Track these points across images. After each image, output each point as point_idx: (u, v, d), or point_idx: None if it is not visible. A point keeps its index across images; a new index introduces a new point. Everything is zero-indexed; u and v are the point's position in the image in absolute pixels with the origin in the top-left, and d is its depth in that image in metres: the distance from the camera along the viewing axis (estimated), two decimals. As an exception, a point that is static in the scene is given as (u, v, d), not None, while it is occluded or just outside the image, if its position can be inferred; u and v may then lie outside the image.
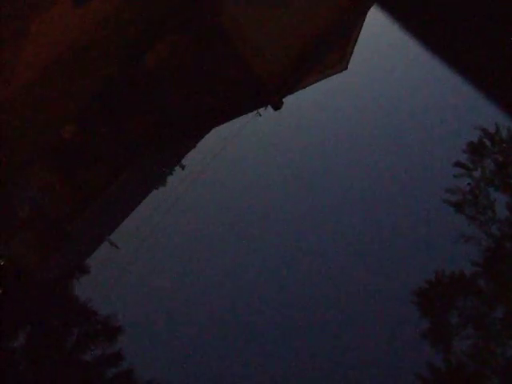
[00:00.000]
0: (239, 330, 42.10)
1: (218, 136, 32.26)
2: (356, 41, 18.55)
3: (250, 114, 25.36)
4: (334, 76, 19.78)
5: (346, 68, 19.51)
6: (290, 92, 17.69)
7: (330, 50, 17.85)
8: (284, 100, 17.08)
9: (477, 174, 22.98)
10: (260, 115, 28.03)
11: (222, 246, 46.61)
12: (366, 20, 18.06)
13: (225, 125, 20.97)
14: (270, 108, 17.49)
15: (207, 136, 23.39)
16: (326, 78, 19.71)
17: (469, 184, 23.04)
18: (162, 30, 14.07)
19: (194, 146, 25.69)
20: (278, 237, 45.94)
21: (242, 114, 19.75)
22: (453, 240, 22.93)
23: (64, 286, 19.54)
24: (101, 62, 12.51)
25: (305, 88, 19.40)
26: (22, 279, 17.70)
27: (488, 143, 22.85)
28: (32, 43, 11.76)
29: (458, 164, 23.51)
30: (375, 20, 18.21)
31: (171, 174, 29.59)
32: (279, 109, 16.75)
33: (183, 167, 29.86)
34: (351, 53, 19.10)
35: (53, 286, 18.98)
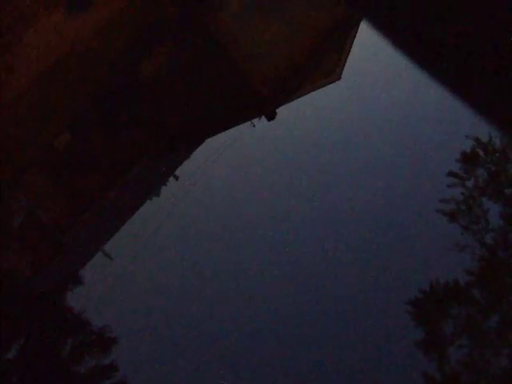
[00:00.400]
0: (238, 341, 41.99)
1: (212, 146, 32.29)
2: (349, 51, 18.65)
3: (244, 125, 25.40)
4: (328, 86, 19.86)
5: (339, 78, 19.59)
6: (284, 102, 17.75)
7: (323, 60, 17.93)
8: (278, 110, 17.14)
9: (470, 183, 23.05)
10: (254, 126, 28.07)
11: (216, 255, 46.54)
12: (359, 30, 18.16)
13: (219, 135, 21.01)
14: (263, 118, 17.55)
15: (201, 146, 23.45)
16: (319, 88, 19.78)
17: (462, 193, 23.09)
18: (157, 40, 14.12)
19: (188, 157, 25.72)
20: (272, 245, 45.92)
21: (236, 125, 19.79)
22: (447, 249, 22.97)
23: (58, 296, 19.49)
24: (95, 72, 12.55)
25: (299, 98, 19.47)
26: (15, 290, 17.64)
27: (481, 153, 22.93)
28: (26, 53, 11.79)
29: (451, 174, 23.57)
30: (368, 30, 18.32)
31: (165, 184, 29.59)
32: (273, 119, 16.81)
33: (177, 178, 29.86)
34: (344, 63, 19.19)
35: (47, 297, 18.93)
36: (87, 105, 13.79)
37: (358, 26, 17.77)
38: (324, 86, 19.87)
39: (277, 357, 40.56)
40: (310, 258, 44.30)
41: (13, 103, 11.94)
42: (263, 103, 16.38)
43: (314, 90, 19.60)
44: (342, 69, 19.28)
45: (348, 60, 19.20)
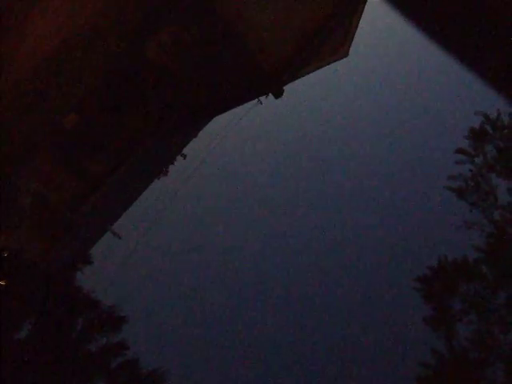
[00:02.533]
0: (243, 317, 42.19)
1: (219, 125, 32.19)
2: (357, 27, 18.50)
3: (251, 103, 25.31)
4: (335, 63, 19.73)
5: (347, 55, 19.46)
6: (291, 80, 17.67)
7: (330, 37, 17.81)
8: (285, 88, 17.08)
9: (478, 160, 22.92)
10: (261, 103, 27.94)
11: (224, 234, 46.63)
12: (366, 6, 18.01)
13: (226, 113, 20.96)
14: (271, 96, 17.49)
15: (208, 125, 23.39)
16: (326, 65, 19.66)
17: (470, 170, 22.98)
18: (163, 19, 14.05)
19: (196, 135, 25.66)
20: (280, 224, 45.95)
21: (243, 103, 19.74)
22: (455, 226, 22.92)
23: (67, 276, 19.58)
24: (102, 52, 12.50)
25: (306, 75, 19.37)
26: (25, 270, 17.74)
27: (489, 129, 22.77)
28: (32, 34, 11.74)
29: (459, 150, 23.44)
30: (375, 6, 18.15)
31: (173, 163, 29.53)
32: (280, 97, 16.75)
33: (185, 156, 29.79)
34: (352, 39, 19.04)
35: (56, 277, 19.03)
36: (94, 85, 13.76)
37: (365, 2, 17.63)
38: (331, 63, 19.74)
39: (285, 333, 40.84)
40: (318, 235, 44.35)
41: (19, 84, 11.92)
42: (270, 81, 16.33)
43: (321, 67, 19.48)
44: (350, 45, 19.15)
45: (355, 36, 19.06)
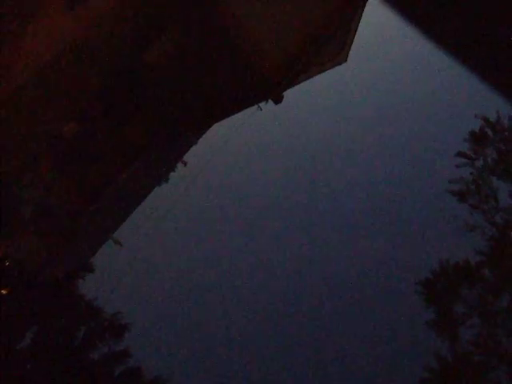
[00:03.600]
0: (244, 322, 42.18)
1: (219, 131, 32.23)
2: (355, 33, 18.54)
3: (251, 109, 25.35)
4: (334, 68, 19.76)
5: (345, 60, 19.50)
6: (291, 86, 17.70)
7: (329, 42, 17.85)
8: (284, 94, 17.10)
9: (479, 163, 22.94)
10: (261, 109, 27.97)
11: (225, 241, 46.64)
12: (364, 11, 18.05)
13: (226, 120, 20.97)
14: (270, 102, 17.51)
15: (208, 132, 23.41)
16: (325, 70, 19.69)
17: (471, 173, 23.00)
18: (162, 26, 14.08)
19: (196, 142, 25.69)
20: (282, 229, 45.96)
21: (242, 109, 19.75)
22: (457, 229, 22.91)
23: (69, 284, 19.58)
24: (100, 59, 12.52)
25: (305, 81, 19.39)
26: (27, 279, 17.75)
27: (490, 132, 22.80)
28: (30, 43, 11.76)
29: (460, 154, 23.46)
30: (373, 11, 18.20)
31: (173, 170, 29.56)
32: (280, 102, 16.77)
33: (185, 164, 29.81)
34: (351, 45, 19.09)
35: (58, 286, 19.03)
36: (94, 94, 13.78)
37: (363, 7, 17.68)
38: (330, 69, 19.77)
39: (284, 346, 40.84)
40: (319, 236, 44.36)
41: (18, 93, 11.94)
42: (270, 87, 16.35)
43: (320, 72, 19.51)
44: (349, 51, 19.19)
45: (354, 42, 19.10)
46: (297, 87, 19.10)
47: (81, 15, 11.11)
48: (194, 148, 26.42)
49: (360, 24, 18.52)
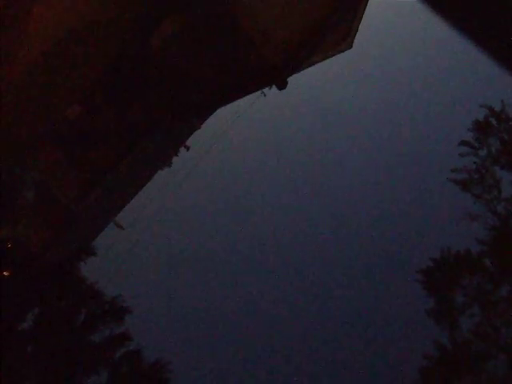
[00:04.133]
0: (243, 306, 42.32)
1: (222, 116, 32.20)
2: (361, 19, 18.42)
3: (255, 94, 25.27)
4: (340, 55, 19.66)
5: (351, 47, 19.39)
6: (295, 72, 17.63)
7: (334, 28, 17.74)
8: (289, 79, 17.02)
9: (482, 152, 22.87)
10: (265, 95, 27.90)
11: (226, 227, 46.68)
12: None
13: (229, 105, 20.92)
14: (274, 88, 17.45)
15: (212, 116, 23.37)
16: (330, 57, 19.59)
17: (475, 163, 22.93)
18: (167, 9, 14.00)
19: (199, 127, 25.64)
20: (281, 216, 45.99)
21: (246, 94, 19.68)
22: (459, 218, 22.89)
23: (71, 267, 19.64)
24: (105, 43, 12.47)
25: (310, 67, 19.31)
26: (29, 262, 17.79)
27: (494, 121, 22.71)
28: (34, 26, 11.72)
29: (463, 143, 23.39)
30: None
31: (176, 155, 29.53)
32: (284, 88, 16.70)
33: (188, 148, 29.78)
34: (356, 31, 18.97)
35: (60, 268, 19.08)
36: (98, 77, 13.74)
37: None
38: (335, 55, 19.67)
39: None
40: (323, 224, 44.39)
41: (23, 76, 11.92)
42: (274, 72, 16.28)
43: (325, 59, 19.40)
44: (354, 37, 19.08)
45: (360, 28, 18.98)
46: (301, 73, 19.03)
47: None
48: (197, 132, 26.38)
49: (366, 11, 18.41)
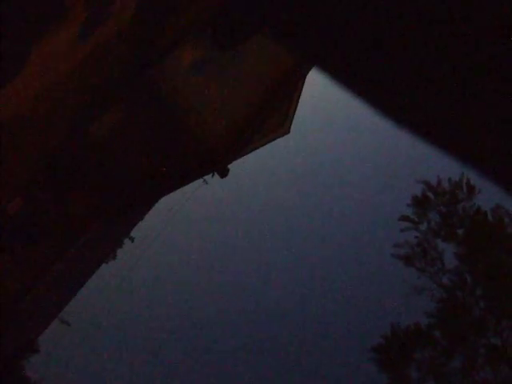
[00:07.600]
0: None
1: (165, 206, 32.18)
2: (297, 103, 18.88)
3: (197, 182, 25.44)
4: (277, 140, 20.00)
5: (288, 132, 19.76)
6: (236, 158, 17.88)
7: (272, 114, 18.15)
8: (230, 166, 17.23)
9: (423, 226, 23.37)
10: (207, 183, 28.15)
11: (176, 318, 45.96)
12: (305, 82, 18.46)
13: (172, 194, 20.97)
14: (216, 175, 17.62)
15: (156, 206, 23.32)
16: (269, 142, 19.92)
17: (416, 237, 23.39)
18: (106, 102, 14.15)
19: (142, 218, 25.54)
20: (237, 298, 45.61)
21: (188, 183, 19.79)
22: (405, 293, 23.11)
23: (15, 365, 18.92)
24: (43, 136, 12.46)
25: (250, 153, 19.58)
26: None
27: (431, 195, 23.36)
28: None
29: (403, 218, 23.91)
30: (315, 81, 18.72)
31: (121, 247, 29.27)
32: (226, 176, 16.88)
33: (132, 240, 29.59)
34: (293, 116, 19.41)
35: (2, 367, 18.36)
36: (39, 167, 13.65)
37: (304, 78, 18.09)
38: (273, 140, 20.02)
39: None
40: (271, 303, 44.14)
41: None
42: (214, 160, 16.48)
43: (263, 144, 19.73)
44: (291, 122, 19.50)
45: (296, 113, 19.42)
46: (242, 159, 19.26)
47: (19, 91, 11.11)
48: (140, 223, 26.24)
49: (302, 95, 18.90)
